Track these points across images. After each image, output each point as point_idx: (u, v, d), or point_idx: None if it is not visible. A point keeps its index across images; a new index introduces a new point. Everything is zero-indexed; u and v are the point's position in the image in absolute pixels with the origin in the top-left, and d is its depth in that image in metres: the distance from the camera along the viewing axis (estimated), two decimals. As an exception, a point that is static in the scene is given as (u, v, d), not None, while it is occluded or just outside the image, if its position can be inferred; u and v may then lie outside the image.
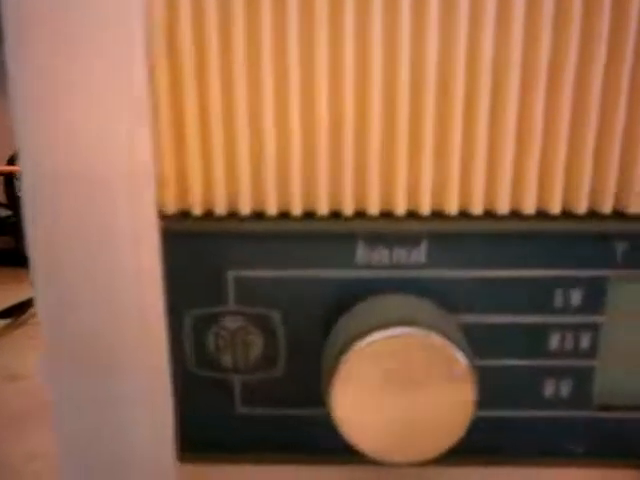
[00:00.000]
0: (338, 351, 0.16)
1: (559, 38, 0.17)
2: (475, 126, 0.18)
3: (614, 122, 0.17)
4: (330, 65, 0.17)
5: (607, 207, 0.18)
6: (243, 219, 0.18)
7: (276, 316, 0.19)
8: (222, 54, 0.17)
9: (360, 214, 0.18)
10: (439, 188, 0.18)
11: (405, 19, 0.17)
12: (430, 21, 0.17)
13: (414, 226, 0.18)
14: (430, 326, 0.16)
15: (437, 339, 0.16)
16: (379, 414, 0.16)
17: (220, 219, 0.18)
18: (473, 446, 0.20)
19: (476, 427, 0.19)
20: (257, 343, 0.20)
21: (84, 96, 0.16)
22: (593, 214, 0.18)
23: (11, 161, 0.55)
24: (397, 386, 0.16)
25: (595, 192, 0.18)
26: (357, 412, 0.16)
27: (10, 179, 0.55)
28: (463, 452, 0.20)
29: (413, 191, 0.18)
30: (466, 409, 0.16)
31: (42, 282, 0.17)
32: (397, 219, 0.18)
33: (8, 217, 0.56)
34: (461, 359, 0.16)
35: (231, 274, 0.19)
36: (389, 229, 0.18)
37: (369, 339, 0.16)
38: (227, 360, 0.20)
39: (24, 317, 0.44)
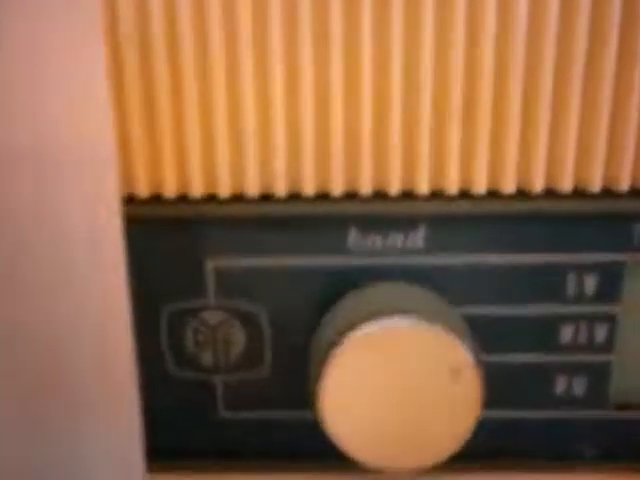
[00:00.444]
0: (327, 344, 0.14)
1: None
2: (477, 99, 0.16)
3: (629, 94, 0.16)
4: (316, 34, 0.16)
5: (624, 185, 0.16)
6: (222, 202, 0.17)
7: (260, 310, 0.18)
8: (195, 23, 0.16)
9: (351, 195, 0.17)
10: (438, 166, 0.16)
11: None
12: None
13: (411, 208, 0.17)
14: (431, 316, 0.14)
15: (440, 331, 0.14)
16: (373, 416, 0.14)
17: (196, 202, 0.17)
18: (477, 450, 0.18)
19: (480, 429, 0.18)
20: (240, 340, 0.18)
21: (34, 67, 0.14)
22: (608, 192, 0.16)
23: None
24: (393, 384, 0.14)
25: (610, 168, 0.16)
26: (348, 413, 0.14)
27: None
28: (466, 457, 0.18)
29: (409, 170, 0.16)
30: (471, 410, 0.14)
31: None
32: (392, 201, 0.16)
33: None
34: (466, 354, 0.14)
35: (210, 264, 0.17)
36: (383, 212, 0.17)
37: (362, 330, 0.14)
38: (207, 359, 0.18)
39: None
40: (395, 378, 0.14)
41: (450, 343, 0.14)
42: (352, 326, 0.14)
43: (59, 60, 0.14)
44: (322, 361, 0.14)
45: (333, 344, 0.14)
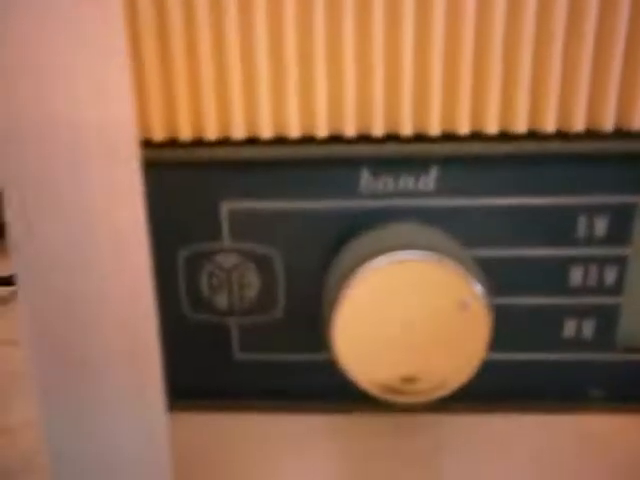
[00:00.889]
0: (338, 281, 0.15)
1: None
2: (488, 41, 0.16)
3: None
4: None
5: (636, 124, 0.16)
6: (236, 144, 0.17)
7: (274, 252, 0.18)
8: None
9: (364, 137, 0.17)
10: (449, 108, 0.17)
11: None
12: None
13: (422, 150, 0.17)
14: (441, 251, 0.14)
15: (449, 264, 0.14)
16: (384, 347, 0.15)
17: (211, 145, 0.17)
18: (486, 391, 0.19)
19: (489, 370, 0.18)
20: (254, 282, 0.18)
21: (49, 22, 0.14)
22: (620, 132, 0.16)
23: None
24: (404, 317, 0.14)
25: (622, 107, 0.16)
26: (360, 346, 0.15)
27: None
28: (475, 398, 0.18)
29: (421, 111, 0.17)
30: (479, 343, 0.14)
31: (17, 240, 0.15)
32: (404, 142, 0.17)
33: None
34: (475, 287, 0.14)
35: (225, 206, 0.18)
36: (395, 153, 0.17)
37: (374, 264, 0.14)
38: (222, 302, 0.19)
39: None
40: (405, 311, 0.15)
41: (459, 276, 0.14)
42: (362, 262, 0.15)
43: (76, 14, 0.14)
44: (334, 298, 0.15)
45: (343, 281, 0.14)
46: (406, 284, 0.14)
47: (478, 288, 0.14)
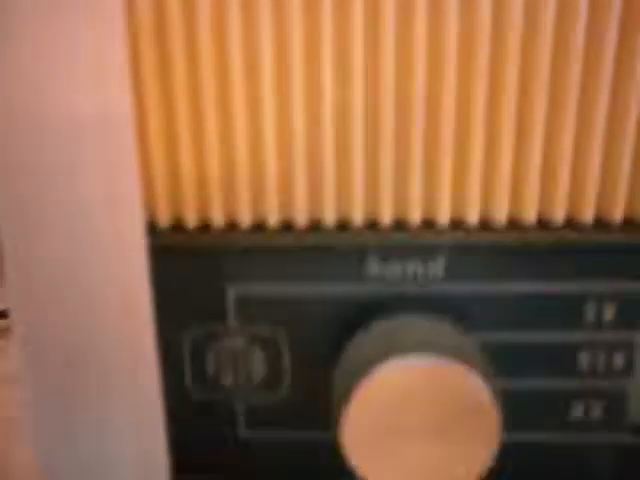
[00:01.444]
0: (348, 383, 0.14)
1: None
2: (499, 131, 0.16)
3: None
4: (335, 63, 0.15)
5: (643, 217, 0.16)
6: (243, 232, 0.17)
7: (281, 335, 0.18)
8: (217, 65, 0.16)
9: (371, 225, 0.17)
10: (459, 196, 0.16)
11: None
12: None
13: (430, 238, 0.17)
14: (451, 354, 0.14)
15: (462, 369, 0.14)
16: (394, 449, 0.15)
17: (218, 232, 0.17)
18: (493, 472, 0.18)
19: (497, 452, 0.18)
20: (260, 363, 0.18)
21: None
22: (628, 223, 0.16)
23: None
24: (414, 419, 0.14)
25: (630, 199, 0.16)
26: (370, 447, 0.15)
27: None
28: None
29: (429, 198, 0.17)
30: (489, 445, 0.14)
31: (16, 295, 0.15)
32: (411, 230, 0.17)
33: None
34: (486, 392, 0.14)
35: (231, 290, 0.17)
36: (404, 242, 0.17)
37: (385, 368, 0.14)
38: (228, 381, 0.18)
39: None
40: (415, 414, 0.14)
41: (471, 380, 0.14)
42: (372, 363, 0.14)
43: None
44: (343, 398, 0.14)
45: (353, 382, 0.14)
46: (417, 387, 0.14)
47: (489, 393, 0.14)
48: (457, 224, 0.17)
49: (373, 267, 0.17)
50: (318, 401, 0.18)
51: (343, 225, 0.17)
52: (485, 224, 0.17)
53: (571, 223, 0.16)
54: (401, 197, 0.17)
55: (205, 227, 0.17)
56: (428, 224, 0.17)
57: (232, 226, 0.17)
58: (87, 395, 0.16)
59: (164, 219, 0.17)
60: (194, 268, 0.17)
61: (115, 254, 0.15)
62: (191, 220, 0.17)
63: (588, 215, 0.16)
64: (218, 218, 0.17)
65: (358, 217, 0.17)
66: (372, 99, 0.16)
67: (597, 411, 0.18)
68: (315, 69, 0.16)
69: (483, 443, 0.14)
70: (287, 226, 0.17)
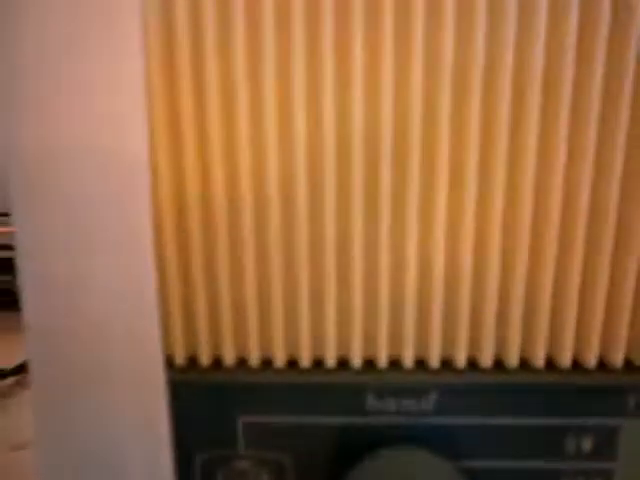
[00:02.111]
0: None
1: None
2: (485, 280, 0.17)
3: (625, 278, 0.17)
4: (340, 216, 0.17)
5: (618, 360, 0.18)
6: (251, 369, 0.18)
7: (285, 459, 0.19)
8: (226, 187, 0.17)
9: (369, 364, 0.18)
10: (449, 340, 0.18)
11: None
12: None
13: (423, 378, 0.18)
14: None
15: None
16: None
17: (229, 370, 0.18)
18: None
19: None
20: (267, 483, 0.20)
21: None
22: (603, 367, 0.18)
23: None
24: None
25: (605, 345, 0.18)
26: None
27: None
28: None
29: (422, 344, 0.18)
30: None
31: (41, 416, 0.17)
32: (406, 371, 0.18)
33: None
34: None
35: (240, 420, 0.19)
36: (398, 381, 0.18)
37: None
38: (237, 499, 0.20)
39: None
40: None
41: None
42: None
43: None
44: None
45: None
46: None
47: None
48: (447, 364, 0.18)
49: (370, 402, 0.19)
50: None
51: (343, 364, 0.18)
52: (472, 365, 0.18)
53: (551, 366, 0.18)
54: (397, 342, 0.18)
55: (217, 364, 0.19)
56: (420, 365, 0.18)
57: (242, 363, 0.19)
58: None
59: (180, 356, 0.19)
60: (207, 399, 0.19)
61: (137, 389, 0.17)
62: (205, 358, 0.18)
63: (566, 359, 0.18)
64: (229, 356, 0.18)
65: (357, 358, 0.18)
66: (369, 248, 0.17)
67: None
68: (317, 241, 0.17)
69: None
70: (292, 362, 0.18)
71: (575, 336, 0.18)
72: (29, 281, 0.16)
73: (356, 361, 0.18)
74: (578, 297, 0.18)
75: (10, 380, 0.41)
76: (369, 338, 0.18)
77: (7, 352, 0.40)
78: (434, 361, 0.18)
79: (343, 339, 0.18)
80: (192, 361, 0.19)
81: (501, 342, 0.18)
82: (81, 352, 0.17)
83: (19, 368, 0.43)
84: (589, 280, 0.17)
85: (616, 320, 0.18)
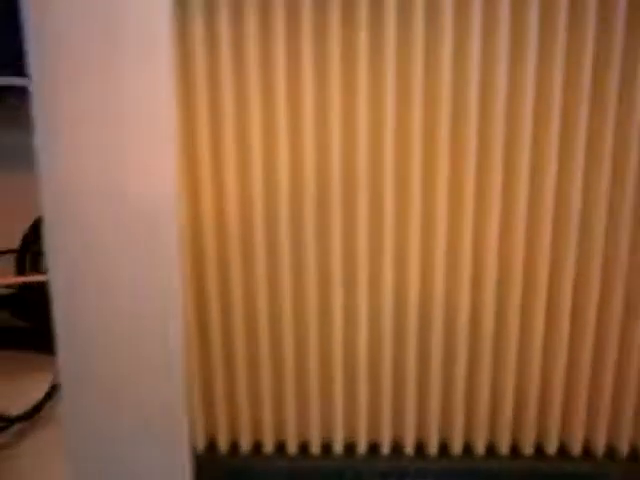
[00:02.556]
0: None
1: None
2: (478, 379, 0.19)
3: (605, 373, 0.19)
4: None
5: (600, 448, 0.20)
6: (266, 456, 0.20)
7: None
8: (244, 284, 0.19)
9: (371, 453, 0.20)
10: (446, 430, 0.20)
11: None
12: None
13: (422, 464, 0.20)
14: None
15: None
16: None
17: (244, 455, 0.20)
18: None
19: None
20: None
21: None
22: (587, 455, 0.20)
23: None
24: None
25: (589, 432, 0.20)
26: None
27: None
28: None
29: (422, 430, 0.20)
30: None
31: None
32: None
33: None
34: None
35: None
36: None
37: None
38: None
39: (46, 413, 0.31)
40: None
41: None
42: None
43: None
44: None
45: None
46: None
47: None
48: (443, 453, 0.20)
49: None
50: None
51: (349, 450, 0.20)
52: (467, 452, 0.20)
53: (539, 453, 0.20)
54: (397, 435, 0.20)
55: (234, 450, 0.20)
56: (420, 453, 0.20)
57: (256, 449, 0.20)
58: None
59: (201, 444, 0.20)
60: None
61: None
62: (223, 445, 0.20)
63: (552, 447, 0.20)
64: (245, 443, 0.20)
65: (362, 444, 0.20)
66: (373, 343, 0.19)
67: None
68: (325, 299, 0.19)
69: None
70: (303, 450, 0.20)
71: (560, 426, 0.20)
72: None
73: (361, 448, 0.20)
74: (562, 391, 0.19)
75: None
76: (372, 430, 0.20)
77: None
78: (432, 447, 0.20)
79: (348, 430, 0.20)
80: (212, 449, 0.21)
81: (492, 430, 0.20)
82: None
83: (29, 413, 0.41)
84: (572, 377, 0.19)
85: (598, 412, 0.19)
